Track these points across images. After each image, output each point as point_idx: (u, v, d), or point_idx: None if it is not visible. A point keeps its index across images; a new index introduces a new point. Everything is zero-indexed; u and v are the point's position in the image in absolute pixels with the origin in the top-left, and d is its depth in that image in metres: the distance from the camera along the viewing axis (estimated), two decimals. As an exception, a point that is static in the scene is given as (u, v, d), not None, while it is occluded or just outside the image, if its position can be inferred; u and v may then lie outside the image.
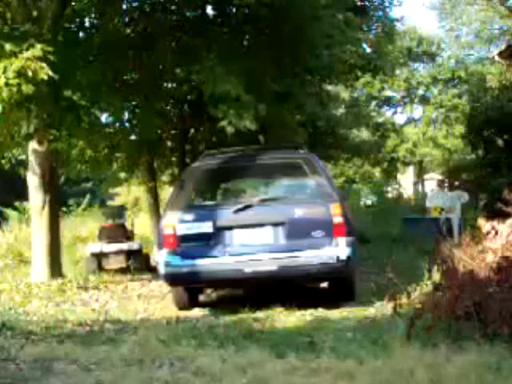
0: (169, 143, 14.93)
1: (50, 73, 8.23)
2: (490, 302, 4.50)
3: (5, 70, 8.21)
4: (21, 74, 8.16)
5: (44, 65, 8.20)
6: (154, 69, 11.32)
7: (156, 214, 14.77)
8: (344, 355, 4.31)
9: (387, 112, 37.12)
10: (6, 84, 8.19)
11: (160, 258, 7.38)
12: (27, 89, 8.22)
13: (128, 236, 12.81)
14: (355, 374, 3.66)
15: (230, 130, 9.36)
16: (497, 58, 19.79)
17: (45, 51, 8.30)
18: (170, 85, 13.08)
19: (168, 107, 14.03)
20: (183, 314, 7.24)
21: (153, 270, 10.82)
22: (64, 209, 17.69)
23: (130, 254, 12.12)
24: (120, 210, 15.17)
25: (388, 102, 36.38)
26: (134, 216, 17.88)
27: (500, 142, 15.82)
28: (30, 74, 8.17)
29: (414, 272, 7.04)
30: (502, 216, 5.43)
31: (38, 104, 9.26)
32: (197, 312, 7.43)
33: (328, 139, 23.06)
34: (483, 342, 4.30)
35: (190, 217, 7.23)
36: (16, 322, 6.40)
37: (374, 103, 35.39)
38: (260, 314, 6.71)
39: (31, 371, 4.04)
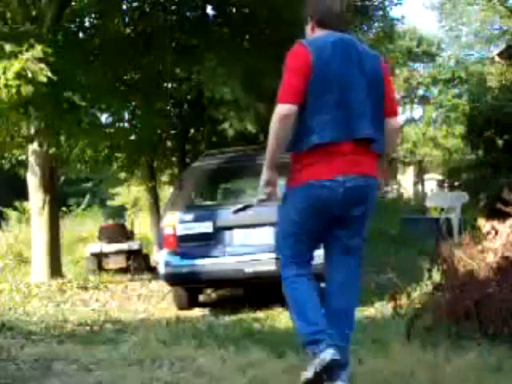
0: (169, 143, 14.93)
1: (50, 74, 8.23)
2: (490, 301, 4.50)
3: (4, 71, 8.22)
4: (21, 75, 8.17)
5: (43, 66, 8.20)
6: (153, 69, 11.32)
7: (156, 214, 14.78)
8: (344, 355, 4.30)
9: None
10: (6, 85, 8.20)
11: (160, 258, 7.39)
12: (26, 90, 8.23)
13: (128, 236, 12.83)
14: (355, 373, 3.66)
15: (231, 132, 9.38)
16: (497, 58, 19.83)
17: (44, 52, 8.30)
18: (169, 85, 13.09)
19: (168, 107, 14.04)
20: (183, 314, 7.24)
21: (153, 270, 10.83)
22: (64, 209, 17.72)
23: (129, 253, 12.14)
24: (120, 210, 15.21)
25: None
26: (134, 216, 17.91)
27: (500, 142, 15.81)
28: (29, 75, 8.17)
29: (414, 272, 7.04)
30: (502, 216, 5.42)
31: (37, 105, 9.26)
32: (197, 312, 7.43)
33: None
34: (483, 342, 4.30)
35: (190, 217, 7.24)
36: (16, 322, 6.40)
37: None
38: (260, 314, 6.71)
39: (31, 371, 4.04)
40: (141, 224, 16.96)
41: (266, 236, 7.14)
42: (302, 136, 3.39)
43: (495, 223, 5.21)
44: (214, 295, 8.71)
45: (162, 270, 7.33)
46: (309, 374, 3.26)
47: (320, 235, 3.56)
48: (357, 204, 3.41)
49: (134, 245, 12.40)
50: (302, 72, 3.38)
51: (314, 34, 3.64)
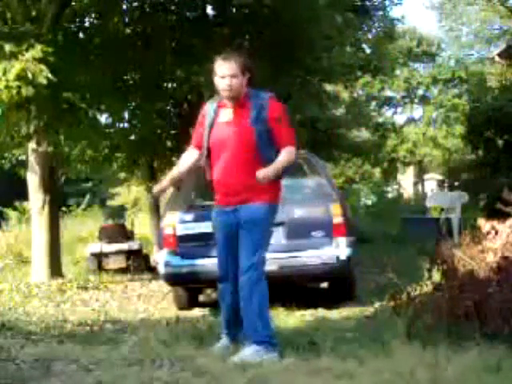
0: (169, 143, 14.93)
1: (50, 76, 8.22)
2: (490, 301, 4.50)
3: (5, 72, 8.21)
4: (21, 76, 8.16)
5: (43, 67, 8.20)
6: (153, 69, 11.32)
7: (156, 214, 14.77)
8: (344, 355, 4.30)
9: (387, 112, 37.14)
10: (6, 86, 8.20)
11: (160, 258, 7.39)
12: (27, 91, 8.22)
13: (128, 236, 12.81)
14: (355, 373, 3.66)
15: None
16: (497, 58, 19.83)
17: (44, 52, 8.29)
18: (170, 85, 13.08)
19: (168, 107, 14.03)
20: (183, 314, 7.23)
21: (153, 270, 10.83)
22: (64, 209, 17.70)
23: (129, 253, 12.12)
24: (120, 210, 15.19)
25: (388, 101, 36.36)
26: (134, 216, 17.88)
27: (500, 142, 15.82)
28: (30, 76, 8.16)
29: (414, 272, 7.04)
30: (502, 216, 5.42)
31: (37, 105, 9.26)
32: (197, 312, 7.43)
33: (328, 139, 23.04)
34: (483, 342, 4.30)
35: (189, 217, 7.24)
36: (16, 322, 6.39)
37: (374, 103, 35.37)
38: (260, 314, 6.68)
39: (31, 371, 4.03)
40: (141, 224, 16.94)
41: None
42: None
43: (495, 223, 5.21)
44: (213, 295, 8.70)
45: (161, 270, 7.33)
46: None
47: None
48: None
49: (134, 245, 12.38)
50: None
51: (244, 88, 4.54)
